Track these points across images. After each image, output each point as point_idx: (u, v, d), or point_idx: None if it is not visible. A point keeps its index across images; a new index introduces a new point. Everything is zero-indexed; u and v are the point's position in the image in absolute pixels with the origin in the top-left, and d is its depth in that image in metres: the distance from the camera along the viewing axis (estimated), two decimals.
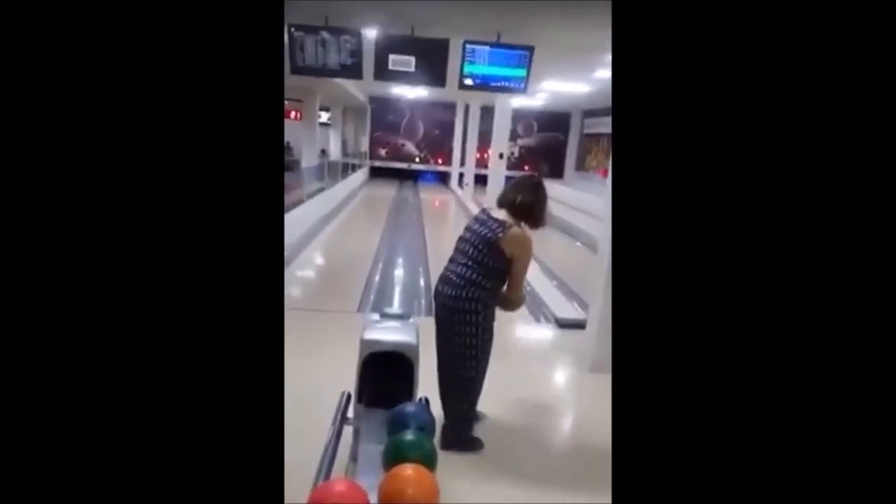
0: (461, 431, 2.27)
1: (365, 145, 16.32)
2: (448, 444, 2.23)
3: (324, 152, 13.12)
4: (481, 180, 10.98)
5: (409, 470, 1.37)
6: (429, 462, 1.46)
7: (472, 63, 4.27)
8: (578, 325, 3.79)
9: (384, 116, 15.99)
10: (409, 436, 1.52)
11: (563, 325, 4.09)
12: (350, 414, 1.97)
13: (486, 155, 11.18)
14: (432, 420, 1.74)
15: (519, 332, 4.03)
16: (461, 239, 2.22)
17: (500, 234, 2.09)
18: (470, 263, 2.13)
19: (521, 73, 4.28)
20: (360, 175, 14.11)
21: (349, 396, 2.02)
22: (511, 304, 2.30)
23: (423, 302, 4.55)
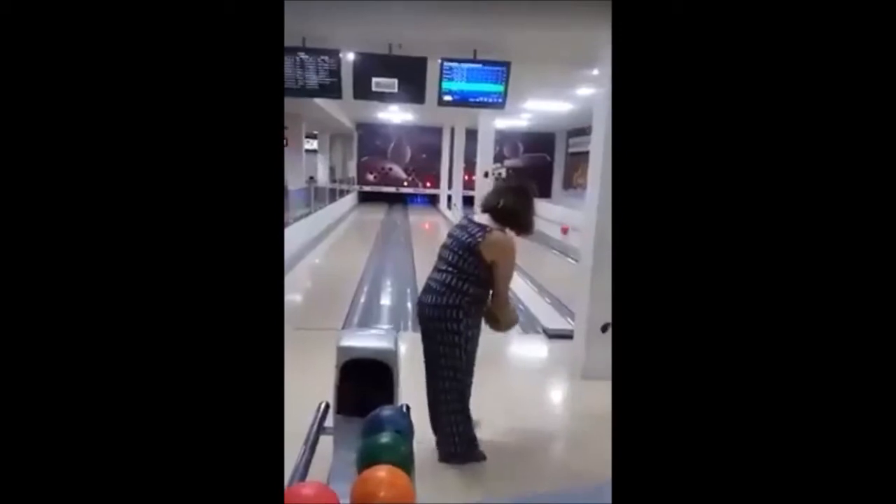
0: (457, 444, 2.18)
1: (353, 171, 16.42)
2: (446, 457, 2.16)
3: (312, 179, 13.17)
4: (470, 201, 11.05)
5: (382, 471, 1.32)
6: (404, 465, 1.41)
7: (450, 80, 4.33)
8: (566, 335, 3.80)
9: (371, 142, 16.14)
10: (384, 438, 1.47)
11: (553, 336, 4.10)
12: (329, 424, 1.92)
13: (473, 176, 11.28)
14: (410, 424, 1.70)
15: (511, 344, 4.00)
16: (443, 246, 2.17)
17: (480, 239, 2.03)
18: (450, 270, 2.07)
19: (499, 88, 4.34)
20: (348, 200, 14.15)
21: (327, 406, 1.97)
22: (499, 321, 2.21)
23: (409, 322, 4.52)
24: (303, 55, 4.11)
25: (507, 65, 4.25)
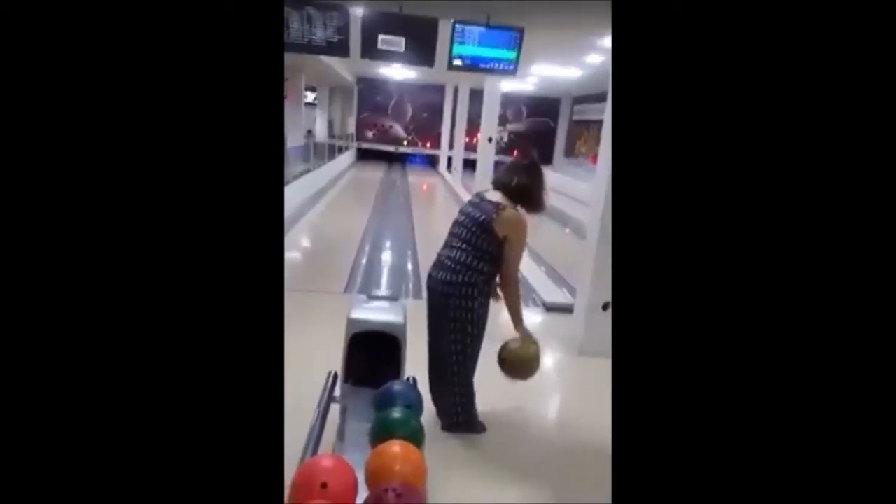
0: (459, 414, 2.26)
1: (352, 127, 16.13)
2: (448, 427, 2.26)
3: (310, 133, 12.94)
4: (470, 164, 10.94)
5: (395, 446, 1.37)
6: (416, 439, 1.46)
7: (461, 44, 4.21)
8: (566, 309, 3.83)
9: (372, 98, 15.80)
10: (397, 413, 1.52)
11: (551, 308, 4.13)
12: (337, 393, 1.96)
13: (475, 139, 11.12)
14: (419, 398, 1.74)
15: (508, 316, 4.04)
16: (455, 223, 2.18)
17: (495, 216, 2.06)
18: (464, 247, 2.09)
19: (512, 54, 4.24)
20: (347, 156, 13.96)
21: (336, 376, 2.01)
22: (505, 360, 2.24)
23: (410, 285, 4.55)
24: (311, 10, 3.97)
25: (521, 30, 4.14)
